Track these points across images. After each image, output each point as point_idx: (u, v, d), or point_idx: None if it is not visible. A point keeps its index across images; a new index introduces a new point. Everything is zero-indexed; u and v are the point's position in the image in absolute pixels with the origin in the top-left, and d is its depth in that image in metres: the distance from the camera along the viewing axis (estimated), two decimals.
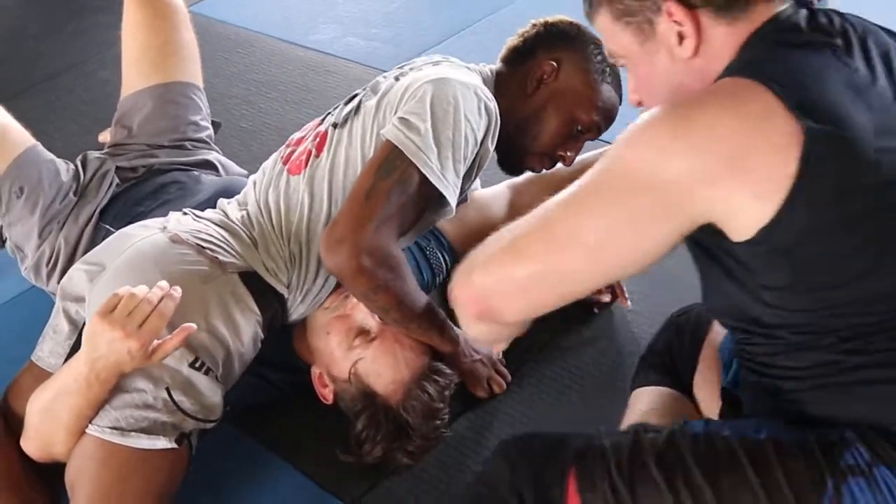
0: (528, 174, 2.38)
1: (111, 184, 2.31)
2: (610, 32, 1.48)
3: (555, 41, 2.07)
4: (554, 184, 2.28)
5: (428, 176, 1.87)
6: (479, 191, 2.39)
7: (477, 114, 1.91)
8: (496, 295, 1.42)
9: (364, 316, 1.96)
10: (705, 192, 1.30)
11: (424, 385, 1.94)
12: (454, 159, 1.88)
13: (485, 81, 2.04)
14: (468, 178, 1.99)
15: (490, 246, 1.44)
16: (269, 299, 1.96)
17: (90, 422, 1.79)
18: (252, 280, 1.94)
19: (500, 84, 2.07)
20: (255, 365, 1.99)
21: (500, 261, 1.42)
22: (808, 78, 1.32)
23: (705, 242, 1.39)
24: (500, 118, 1.98)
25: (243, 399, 2.00)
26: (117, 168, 2.33)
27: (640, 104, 1.52)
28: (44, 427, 1.82)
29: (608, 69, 2.06)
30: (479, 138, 1.93)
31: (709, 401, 1.76)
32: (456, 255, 2.25)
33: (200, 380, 1.82)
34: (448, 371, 1.98)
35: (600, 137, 2.13)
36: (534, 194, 2.27)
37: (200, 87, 2.57)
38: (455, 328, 1.99)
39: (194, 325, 1.74)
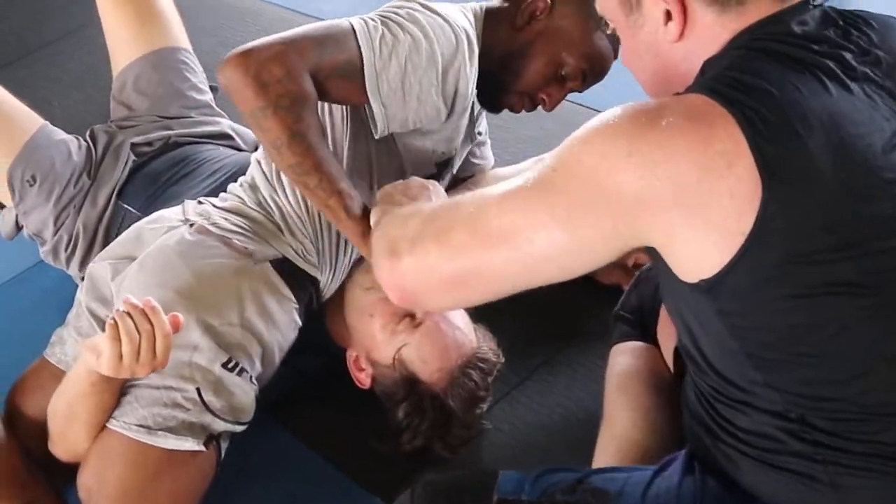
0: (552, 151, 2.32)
1: (127, 160, 2.23)
2: None
3: None
4: None
5: (361, 43, 1.75)
6: (509, 168, 2.33)
7: (440, 32, 1.82)
8: (421, 287, 1.41)
9: None
10: (648, 220, 1.23)
11: (469, 372, 1.87)
12: (394, 52, 1.77)
13: (471, 14, 1.96)
14: (449, 109, 1.88)
15: (419, 225, 1.39)
16: (303, 284, 1.89)
17: (112, 413, 1.73)
18: (284, 267, 1.88)
19: (491, 18, 1.98)
20: (289, 354, 1.92)
21: (426, 250, 1.37)
22: (786, 113, 1.22)
23: (656, 256, 1.31)
24: (486, 50, 1.91)
25: (271, 386, 1.92)
26: (132, 144, 2.25)
27: None
28: (68, 430, 1.76)
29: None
30: (441, 56, 1.81)
31: (669, 353, 1.74)
32: None
33: (233, 381, 1.76)
34: (491, 356, 1.91)
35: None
36: None
37: (190, 50, 2.52)
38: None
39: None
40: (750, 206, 1.19)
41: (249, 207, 1.95)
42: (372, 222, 1.67)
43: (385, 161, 1.94)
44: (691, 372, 1.45)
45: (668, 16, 1.32)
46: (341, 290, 1.99)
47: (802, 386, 1.29)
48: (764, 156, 1.18)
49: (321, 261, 1.92)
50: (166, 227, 1.92)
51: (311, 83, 1.72)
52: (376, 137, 1.86)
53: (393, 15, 1.82)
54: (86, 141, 2.29)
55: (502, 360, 1.93)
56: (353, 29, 1.77)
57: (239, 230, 1.90)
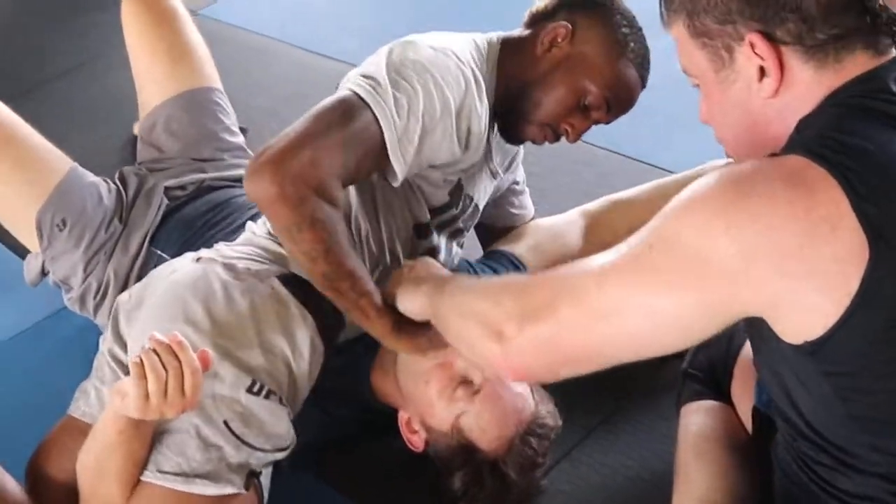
0: (600, 200, 2.28)
1: (160, 205, 2.16)
2: (684, 48, 1.36)
3: (578, 5, 1.91)
4: (629, 211, 2.23)
5: (377, 114, 1.70)
6: (552, 218, 2.29)
7: (448, 75, 1.76)
8: (535, 365, 1.40)
9: (467, 365, 1.81)
10: (752, 292, 1.20)
11: (528, 439, 1.81)
12: (410, 111, 1.72)
13: (478, 48, 1.90)
14: (464, 149, 1.83)
15: (516, 303, 1.39)
16: (316, 298, 1.80)
17: (145, 464, 1.65)
18: (292, 281, 1.81)
19: (508, 48, 1.93)
20: (322, 398, 1.86)
21: (536, 331, 1.36)
22: (888, 172, 1.19)
23: (755, 319, 1.28)
24: (504, 81, 1.87)
25: (312, 437, 1.87)
26: (165, 188, 2.19)
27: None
28: (99, 486, 1.67)
29: (632, 45, 1.89)
30: (454, 101, 1.76)
31: (745, 412, 1.75)
32: None
33: (262, 406, 1.68)
34: (550, 421, 1.85)
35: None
36: (609, 222, 2.21)
37: (221, 90, 2.46)
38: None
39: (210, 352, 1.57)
40: (855, 269, 1.17)
41: (259, 236, 1.91)
42: (416, 306, 1.68)
43: (390, 194, 1.89)
44: (786, 434, 1.41)
45: (763, 72, 1.28)
46: (390, 350, 1.90)
47: None
48: (867, 217, 1.17)
49: None
50: (176, 267, 1.87)
51: (341, 187, 1.69)
52: (398, 189, 1.82)
53: (400, 67, 1.75)
54: (115, 184, 2.22)
55: (560, 423, 1.88)
56: (365, 101, 1.70)
57: (245, 256, 1.85)
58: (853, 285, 1.17)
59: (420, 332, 1.73)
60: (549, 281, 1.41)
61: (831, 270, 1.17)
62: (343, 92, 1.74)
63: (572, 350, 1.36)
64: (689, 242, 1.22)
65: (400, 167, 1.74)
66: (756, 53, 1.27)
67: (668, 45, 1.44)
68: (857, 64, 1.26)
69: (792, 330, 1.23)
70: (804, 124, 1.28)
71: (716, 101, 1.36)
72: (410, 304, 1.70)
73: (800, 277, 1.18)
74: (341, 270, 1.69)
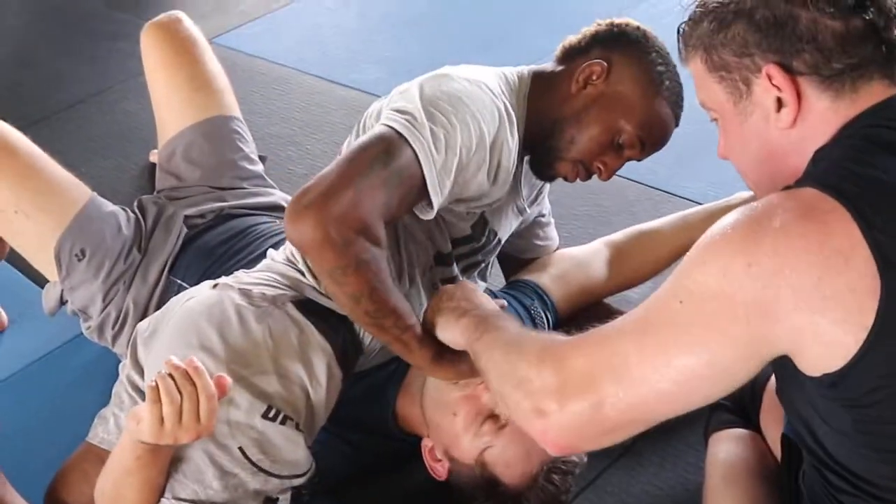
0: (625, 231, 2.28)
1: (179, 233, 2.15)
2: (702, 82, 1.37)
3: (614, 42, 1.90)
4: (653, 242, 2.22)
5: (417, 150, 1.67)
6: (576, 248, 2.28)
7: (483, 109, 1.74)
8: (577, 438, 1.38)
9: (495, 398, 1.78)
10: (775, 327, 1.21)
11: (552, 476, 1.79)
12: (448, 146, 1.70)
13: (508, 81, 1.88)
14: (492, 183, 1.81)
15: (557, 376, 1.36)
16: (332, 324, 1.79)
17: (162, 491, 1.63)
18: (308, 306, 1.79)
19: (540, 82, 1.91)
20: (342, 427, 1.86)
21: (578, 409, 1.33)
22: None
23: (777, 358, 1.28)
24: (535, 117, 1.86)
25: (333, 465, 1.87)
26: (185, 216, 2.18)
27: (727, 158, 1.42)
28: None
29: (668, 83, 1.88)
30: (489, 134, 1.75)
31: (773, 440, 1.74)
32: (559, 313, 2.15)
33: (277, 431, 1.66)
34: (574, 458, 1.82)
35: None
36: (633, 253, 2.20)
37: (241, 118, 2.45)
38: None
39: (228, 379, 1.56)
40: (871, 300, 1.18)
41: (277, 262, 1.89)
42: (456, 338, 1.67)
43: (414, 223, 1.88)
44: (812, 463, 1.41)
45: (780, 103, 1.29)
46: (418, 377, 1.90)
47: None
48: (880, 248, 1.17)
49: None
50: (192, 294, 1.85)
51: (384, 226, 1.67)
52: (423, 219, 1.79)
53: (435, 101, 1.73)
54: (134, 212, 2.21)
55: (585, 459, 1.85)
56: (403, 137, 1.68)
57: (261, 282, 1.83)
58: (869, 317, 1.18)
59: (461, 359, 1.71)
60: (587, 349, 1.38)
61: (848, 301, 1.18)
62: (380, 128, 1.71)
63: (615, 422, 1.34)
64: (714, 288, 1.22)
65: (437, 202, 1.72)
66: (773, 85, 1.28)
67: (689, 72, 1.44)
68: (874, 94, 1.27)
69: (813, 363, 1.23)
70: (820, 155, 1.28)
71: (734, 133, 1.37)
72: (451, 335, 1.68)
73: (819, 311, 1.19)
74: (385, 309, 1.68)
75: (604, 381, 1.32)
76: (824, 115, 1.28)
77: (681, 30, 1.39)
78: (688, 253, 1.28)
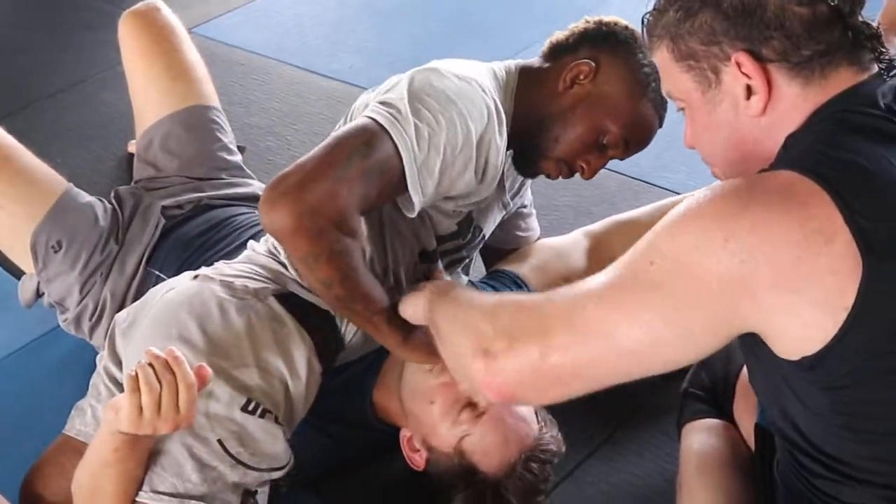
0: (604, 221, 2.27)
1: (157, 224, 2.14)
2: (669, 72, 1.36)
3: (602, 42, 1.89)
4: (632, 232, 2.21)
5: (398, 144, 1.65)
6: (556, 238, 2.27)
7: (472, 106, 1.73)
8: (521, 386, 1.35)
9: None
10: (750, 305, 1.19)
11: (530, 465, 1.79)
12: (431, 143, 1.68)
13: (496, 77, 1.88)
14: (479, 180, 1.80)
15: (510, 321, 1.35)
16: (314, 319, 1.79)
17: (141, 483, 1.62)
18: (290, 300, 1.78)
19: (527, 78, 1.90)
20: (322, 418, 1.85)
21: (525, 350, 1.32)
22: (879, 187, 1.20)
23: (749, 338, 1.27)
24: (521, 113, 1.85)
25: (312, 456, 1.87)
26: (162, 207, 2.16)
27: (693, 148, 1.41)
28: None
29: (654, 85, 1.87)
30: (476, 133, 1.73)
31: (747, 430, 1.74)
32: None
33: (257, 425, 1.65)
34: (553, 446, 1.83)
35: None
36: (613, 243, 2.20)
37: (219, 108, 2.43)
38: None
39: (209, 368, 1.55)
40: (851, 283, 1.17)
41: (258, 254, 1.88)
42: (416, 310, 1.65)
43: (399, 220, 1.86)
44: (787, 450, 1.41)
45: (750, 91, 1.29)
46: (394, 368, 1.90)
47: None
48: (861, 231, 1.17)
49: None
50: (172, 285, 1.84)
51: (360, 218, 1.66)
52: (409, 217, 1.78)
53: (422, 96, 1.72)
54: (111, 203, 2.19)
55: (564, 448, 1.85)
56: (386, 130, 1.67)
57: (243, 274, 1.82)
58: (849, 299, 1.17)
59: (433, 340, 1.68)
60: (546, 301, 1.37)
61: (828, 283, 1.17)
62: (362, 120, 1.70)
63: (563, 374, 1.32)
64: (687, 256, 1.21)
65: (418, 199, 1.71)
66: (743, 73, 1.28)
67: None
68: (842, 79, 1.27)
69: (790, 346, 1.23)
70: (791, 141, 1.28)
71: (702, 122, 1.36)
72: (412, 310, 1.67)
73: (797, 291, 1.18)
74: (356, 295, 1.68)
75: (557, 328, 1.31)
76: (794, 101, 1.28)
77: (645, 20, 1.38)
78: (662, 220, 1.26)
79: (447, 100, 1.71)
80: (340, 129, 1.72)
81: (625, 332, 1.26)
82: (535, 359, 1.31)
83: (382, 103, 1.71)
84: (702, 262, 1.20)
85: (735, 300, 1.19)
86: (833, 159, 1.21)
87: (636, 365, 1.30)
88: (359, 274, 1.67)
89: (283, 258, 1.83)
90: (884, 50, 1.30)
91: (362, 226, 1.69)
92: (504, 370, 1.34)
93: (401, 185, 1.69)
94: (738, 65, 1.27)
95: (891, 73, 1.29)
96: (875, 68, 1.29)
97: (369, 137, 1.66)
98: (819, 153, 1.22)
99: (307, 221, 1.58)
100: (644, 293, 1.25)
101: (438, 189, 1.74)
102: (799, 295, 1.18)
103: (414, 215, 1.75)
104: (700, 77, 1.32)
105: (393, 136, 1.66)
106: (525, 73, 1.92)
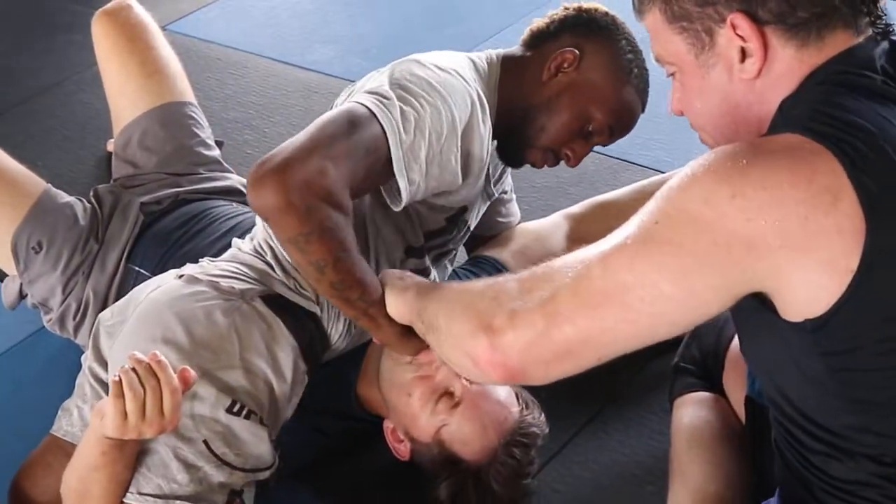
0: (583, 203, 2.28)
1: (136, 221, 2.14)
2: (660, 35, 1.33)
3: (583, 29, 1.90)
4: (613, 213, 2.22)
5: (385, 127, 1.65)
6: (536, 222, 2.28)
7: (455, 94, 1.74)
8: (528, 361, 1.32)
9: (448, 376, 1.79)
10: (757, 263, 1.18)
11: (512, 449, 1.79)
12: (417, 127, 1.68)
13: (477, 69, 1.88)
14: (467, 174, 1.80)
15: (513, 295, 1.31)
16: (300, 320, 1.79)
17: (128, 485, 1.63)
18: (277, 302, 1.78)
19: (510, 67, 1.91)
20: (308, 411, 1.85)
21: (531, 322, 1.29)
22: (883, 147, 1.19)
23: (747, 304, 1.25)
24: (505, 103, 1.85)
25: (299, 449, 1.89)
26: (140, 203, 2.16)
27: (681, 114, 1.39)
28: None
29: (636, 70, 1.89)
30: (460, 121, 1.73)
31: (738, 402, 1.75)
32: None
33: (242, 426, 1.66)
34: (535, 429, 1.82)
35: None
36: (593, 225, 2.20)
37: (195, 104, 2.43)
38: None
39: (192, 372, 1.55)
40: (856, 244, 1.16)
41: (244, 253, 1.87)
42: (399, 309, 1.63)
43: (382, 219, 1.86)
44: (779, 423, 1.40)
45: (744, 53, 1.27)
46: (374, 359, 1.90)
47: None
48: (866, 191, 1.16)
49: (319, 295, 1.81)
50: (157, 284, 1.84)
51: (349, 195, 1.64)
52: (395, 210, 1.77)
53: (406, 84, 1.72)
54: (90, 202, 2.19)
55: (547, 430, 1.86)
56: (373, 112, 1.67)
57: (229, 274, 1.81)
58: (854, 261, 1.15)
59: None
60: (546, 270, 1.34)
61: (834, 243, 1.15)
62: (349, 104, 1.70)
63: (569, 340, 1.28)
64: (694, 213, 1.19)
65: (404, 185, 1.69)
66: (738, 34, 1.25)
67: (645, 38, 1.42)
68: (838, 42, 1.26)
69: (795, 307, 1.21)
70: (788, 104, 1.26)
71: (694, 86, 1.34)
72: (396, 309, 1.66)
73: (804, 250, 1.16)
74: (350, 279, 1.64)
75: (561, 296, 1.27)
76: (790, 64, 1.26)
77: None
78: (665, 185, 1.23)
79: (430, 87, 1.72)
80: (327, 112, 1.72)
81: (633, 294, 1.23)
82: (541, 330, 1.28)
83: (367, 92, 1.71)
84: (708, 218, 1.18)
85: (742, 259, 1.18)
86: (835, 119, 1.19)
87: (645, 328, 1.27)
88: (352, 257, 1.64)
89: (269, 258, 1.83)
90: (882, 15, 1.28)
91: (350, 201, 1.66)
92: (510, 345, 1.31)
93: (387, 168, 1.68)
94: (734, 26, 1.25)
95: (886, 37, 1.28)
96: (870, 31, 1.28)
97: (355, 118, 1.66)
98: (821, 113, 1.21)
99: (295, 198, 1.56)
100: (650, 252, 1.23)
101: (427, 181, 1.73)
102: (806, 254, 1.16)
103: (400, 208, 1.75)
104: (693, 39, 1.29)
105: (379, 118, 1.66)
106: (507, 63, 1.92)
